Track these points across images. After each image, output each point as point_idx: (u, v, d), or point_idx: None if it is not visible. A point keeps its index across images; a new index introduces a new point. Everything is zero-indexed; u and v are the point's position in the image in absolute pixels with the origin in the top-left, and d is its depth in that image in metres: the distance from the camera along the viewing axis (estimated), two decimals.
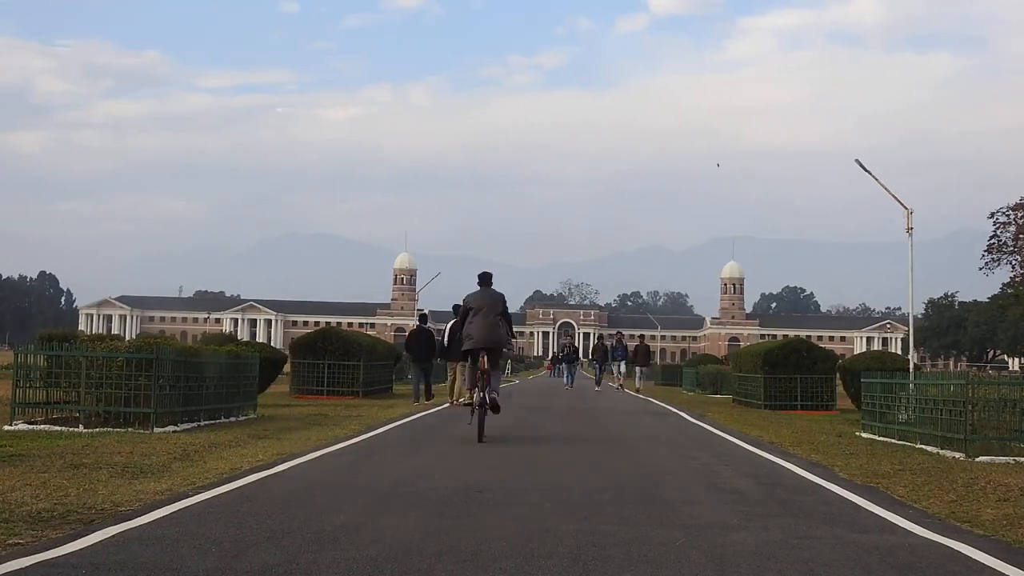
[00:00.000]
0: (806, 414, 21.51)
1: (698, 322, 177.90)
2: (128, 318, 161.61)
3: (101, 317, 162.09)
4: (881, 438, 14.24)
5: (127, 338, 32.62)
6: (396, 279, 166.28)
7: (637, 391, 32.36)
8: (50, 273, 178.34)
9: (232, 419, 14.93)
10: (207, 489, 7.53)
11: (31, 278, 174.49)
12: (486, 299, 12.26)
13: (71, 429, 12.01)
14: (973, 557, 5.74)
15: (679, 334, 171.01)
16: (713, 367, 36.96)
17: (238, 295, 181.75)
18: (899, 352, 79.12)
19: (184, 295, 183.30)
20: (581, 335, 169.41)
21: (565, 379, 39.97)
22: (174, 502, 6.88)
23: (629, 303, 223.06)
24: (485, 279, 12.63)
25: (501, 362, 14.00)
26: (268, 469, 8.90)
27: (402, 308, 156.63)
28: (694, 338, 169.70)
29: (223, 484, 7.83)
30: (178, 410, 13.12)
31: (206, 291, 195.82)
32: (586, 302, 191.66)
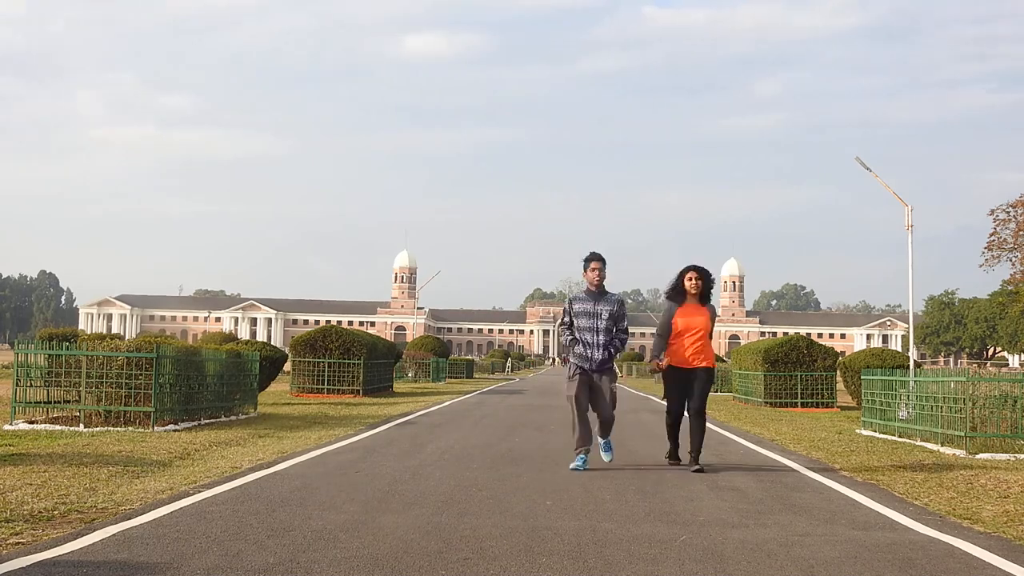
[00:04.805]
0: (806, 411, 21.53)
1: None
2: (128, 317, 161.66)
3: (101, 316, 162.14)
4: (881, 435, 14.25)
5: (127, 337, 32.62)
6: (396, 277, 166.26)
7: None
8: (50, 272, 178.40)
9: (233, 418, 14.95)
10: (208, 488, 7.54)
11: (31, 277, 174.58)
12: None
13: (72, 428, 12.02)
14: (973, 554, 5.74)
15: None
16: None
17: (238, 294, 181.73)
18: (899, 349, 79.13)
19: (184, 294, 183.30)
20: None
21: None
22: (175, 501, 6.89)
23: (630, 300, 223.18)
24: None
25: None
26: (269, 468, 8.91)
27: (402, 306, 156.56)
28: None
29: (224, 483, 7.85)
30: (179, 409, 13.14)
31: (206, 290, 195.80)
32: None
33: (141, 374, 12.48)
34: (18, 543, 5.41)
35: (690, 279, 9.50)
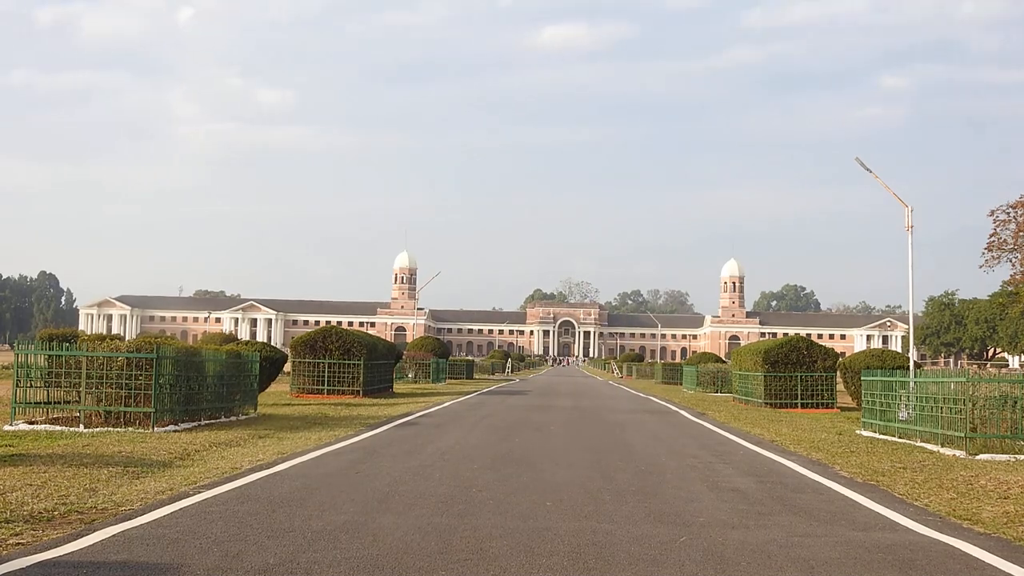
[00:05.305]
0: (806, 412, 21.54)
1: (698, 320, 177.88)
2: (128, 318, 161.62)
3: (101, 317, 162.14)
4: (881, 436, 14.25)
5: (127, 338, 32.63)
6: (396, 278, 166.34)
7: None
8: (50, 273, 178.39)
9: (233, 418, 14.95)
10: (208, 488, 7.54)
11: (31, 278, 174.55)
12: None
13: (72, 429, 12.02)
14: (973, 555, 5.74)
15: (679, 332, 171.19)
16: (713, 365, 37.01)
17: (238, 294, 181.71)
18: (899, 350, 79.18)
19: (184, 294, 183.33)
20: (581, 333, 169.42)
21: None
22: (175, 501, 6.89)
23: (630, 301, 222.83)
24: None
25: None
26: (269, 468, 8.92)
27: (402, 307, 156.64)
28: (694, 336, 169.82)
29: (224, 483, 7.85)
30: (179, 409, 13.14)
31: (206, 290, 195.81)
32: (586, 300, 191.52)
33: (141, 375, 12.48)
34: (18, 543, 5.41)
35: None
